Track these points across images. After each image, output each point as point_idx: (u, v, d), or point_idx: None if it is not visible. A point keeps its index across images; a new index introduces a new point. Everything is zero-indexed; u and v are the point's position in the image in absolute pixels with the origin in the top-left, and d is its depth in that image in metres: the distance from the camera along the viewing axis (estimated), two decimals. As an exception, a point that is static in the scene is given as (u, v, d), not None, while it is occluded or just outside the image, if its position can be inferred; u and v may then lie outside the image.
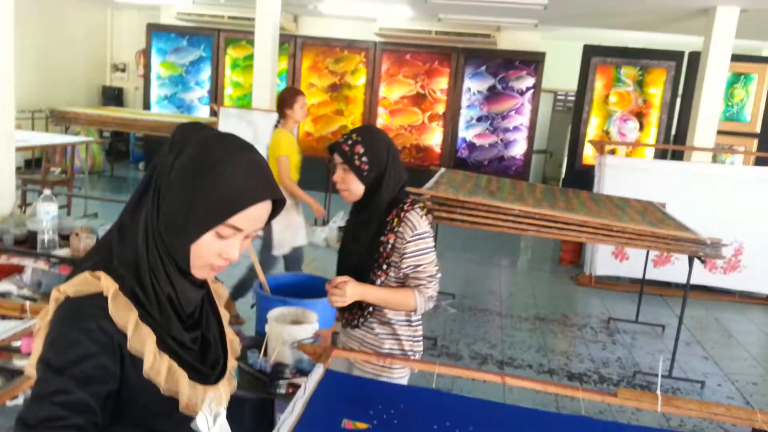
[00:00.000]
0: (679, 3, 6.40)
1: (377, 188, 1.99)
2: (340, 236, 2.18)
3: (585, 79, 8.23)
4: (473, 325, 4.92)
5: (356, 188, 2.00)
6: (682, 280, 4.16)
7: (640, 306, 5.28)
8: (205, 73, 10.39)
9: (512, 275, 6.87)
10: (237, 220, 1.01)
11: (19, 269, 2.85)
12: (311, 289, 2.89)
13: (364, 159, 1.96)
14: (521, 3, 6.60)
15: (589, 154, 8.29)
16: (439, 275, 2.03)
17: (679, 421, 3.62)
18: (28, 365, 0.99)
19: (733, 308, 5.94)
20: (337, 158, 2.00)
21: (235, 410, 1.25)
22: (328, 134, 10.04)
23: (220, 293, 1.24)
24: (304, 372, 2.19)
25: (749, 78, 7.59)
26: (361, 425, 1.53)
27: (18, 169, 4.27)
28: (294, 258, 4.24)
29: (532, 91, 9.58)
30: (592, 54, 8.20)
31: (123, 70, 11.56)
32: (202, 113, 10.32)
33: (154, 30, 10.38)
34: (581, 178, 7.67)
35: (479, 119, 9.77)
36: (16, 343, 2.06)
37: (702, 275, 5.73)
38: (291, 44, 9.88)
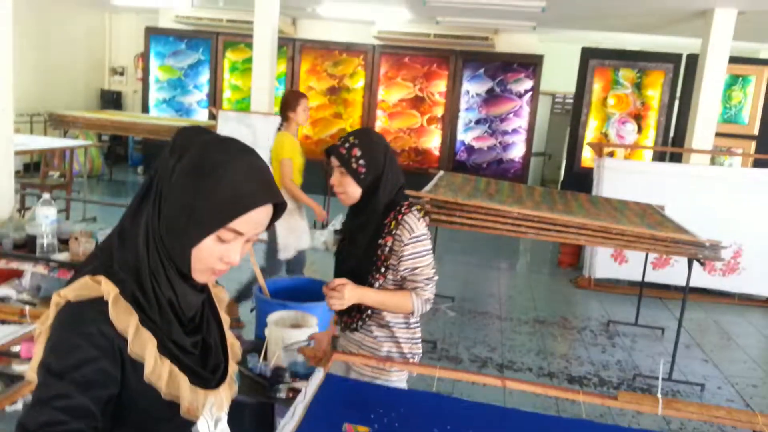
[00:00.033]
0: (676, 5, 6.42)
1: (374, 191, 1.99)
2: (337, 240, 2.18)
3: (583, 82, 8.24)
4: (473, 329, 4.92)
5: (353, 191, 2.00)
6: (682, 282, 4.16)
7: (640, 309, 5.28)
8: (204, 76, 10.40)
9: (511, 278, 6.87)
10: (238, 223, 1.01)
11: (18, 273, 2.84)
12: (311, 292, 2.89)
13: (361, 162, 1.97)
14: (519, 5, 6.61)
15: (587, 156, 8.30)
16: (436, 278, 2.04)
17: (680, 424, 3.62)
18: (29, 370, 0.99)
19: (733, 311, 5.94)
20: (334, 161, 2.01)
21: (235, 415, 1.24)
22: (327, 137, 10.04)
23: (221, 297, 1.24)
24: (297, 375, 2.19)
25: (747, 80, 7.60)
26: (362, 429, 1.53)
27: (17, 173, 4.27)
28: (296, 261, 4.24)
29: (530, 93, 9.59)
30: (590, 56, 8.21)
31: (121, 74, 11.57)
32: (200, 116, 10.32)
33: (153, 33, 10.39)
34: (580, 180, 7.68)
35: (478, 122, 9.78)
36: (16, 348, 2.05)
37: (701, 278, 5.73)
38: (289, 47, 9.89)
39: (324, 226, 6.89)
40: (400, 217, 1.99)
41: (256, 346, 2.35)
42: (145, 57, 10.51)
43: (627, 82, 8.24)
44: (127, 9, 10.58)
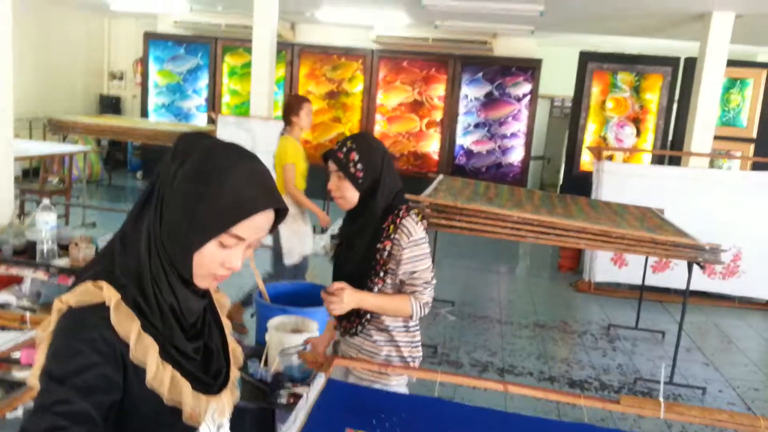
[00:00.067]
0: (674, 8, 6.44)
1: (372, 195, 1.99)
2: (334, 244, 2.18)
3: (582, 85, 8.25)
4: (473, 333, 4.91)
5: (351, 195, 2.00)
6: (682, 286, 4.16)
7: (640, 312, 5.28)
8: (203, 81, 10.40)
9: (511, 282, 6.87)
10: (240, 229, 1.01)
11: (18, 280, 2.84)
12: (311, 297, 2.89)
13: (359, 166, 1.97)
14: (518, 9, 6.63)
15: (586, 160, 8.30)
16: (434, 281, 2.04)
17: (681, 428, 3.61)
18: (31, 376, 0.99)
19: (733, 314, 5.94)
20: (332, 166, 2.01)
21: (236, 421, 1.24)
22: (326, 142, 10.04)
23: (223, 303, 1.23)
24: (294, 379, 2.18)
25: (745, 83, 7.62)
26: (364, 434, 1.52)
27: (16, 178, 4.26)
28: (299, 266, 4.23)
29: (529, 97, 9.60)
30: (588, 60, 8.23)
31: (120, 79, 11.58)
32: (199, 121, 10.32)
33: (152, 38, 10.40)
34: (579, 184, 7.68)
35: (476, 126, 9.79)
36: (16, 355, 2.04)
37: (701, 281, 5.73)
38: (288, 52, 9.90)
39: (323, 231, 6.88)
40: (398, 221, 1.99)
41: (257, 351, 2.34)
42: (144, 62, 10.51)
43: (625, 86, 8.26)
44: (125, 14, 10.59)
